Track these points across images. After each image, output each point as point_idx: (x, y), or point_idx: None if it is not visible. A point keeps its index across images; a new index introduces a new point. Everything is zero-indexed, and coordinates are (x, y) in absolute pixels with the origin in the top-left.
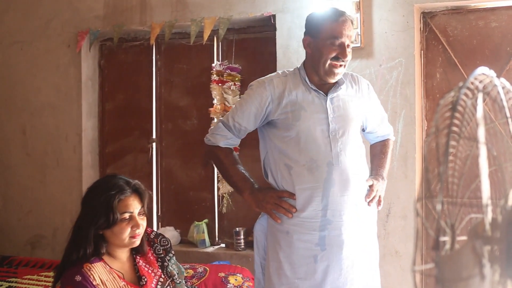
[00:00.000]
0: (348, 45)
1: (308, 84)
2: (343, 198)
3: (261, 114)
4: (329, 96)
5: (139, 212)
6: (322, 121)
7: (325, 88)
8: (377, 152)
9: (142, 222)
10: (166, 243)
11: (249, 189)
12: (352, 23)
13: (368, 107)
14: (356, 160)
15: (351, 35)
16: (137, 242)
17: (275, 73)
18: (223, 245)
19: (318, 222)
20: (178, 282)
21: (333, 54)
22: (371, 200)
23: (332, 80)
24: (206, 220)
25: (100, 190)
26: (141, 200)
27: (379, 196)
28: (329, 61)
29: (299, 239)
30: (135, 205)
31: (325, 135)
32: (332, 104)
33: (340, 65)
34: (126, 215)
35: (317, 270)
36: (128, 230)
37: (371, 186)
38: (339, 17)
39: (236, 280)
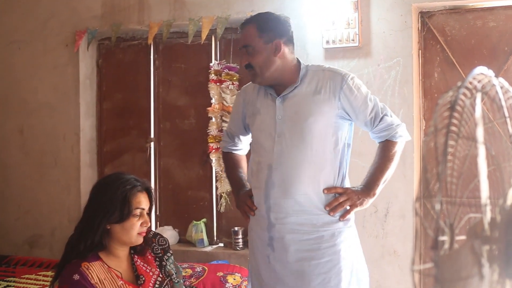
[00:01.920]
0: (244, 51)
1: (266, 88)
2: (286, 201)
3: (242, 119)
4: (279, 97)
5: (147, 211)
6: (271, 124)
7: (281, 89)
8: (375, 158)
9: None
10: (164, 243)
11: (235, 191)
12: (256, 28)
13: (341, 105)
14: (308, 163)
15: (243, 40)
16: (142, 239)
17: None
18: (221, 244)
19: (265, 223)
20: (176, 281)
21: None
22: (333, 210)
23: (256, 83)
24: (204, 220)
25: (115, 183)
26: (150, 199)
27: (347, 208)
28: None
29: (257, 236)
30: (145, 202)
31: (271, 137)
32: (283, 105)
33: (249, 71)
34: (138, 211)
35: (272, 270)
36: (138, 226)
37: (340, 195)
38: (240, 27)
39: (234, 279)
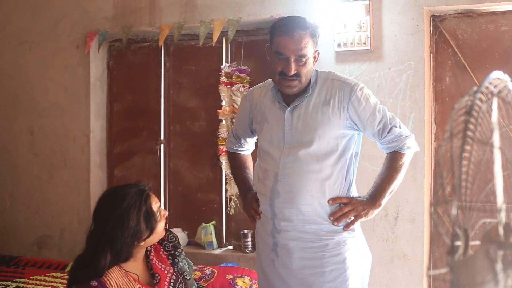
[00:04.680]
0: (296, 60)
1: (273, 95)
2: (291, 210)
3: (249, 124)
4: (289, 108)
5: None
6: (279, 134)
7: (291, 98)
8: (382, 168)
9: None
10: (174, 239)
11: (242, 193)
12: (310, 36)
13: (349, 116)
14: (314, 174)
15: (301, 49)
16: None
17: (265, 81)
18: (230, 247)
19: (270, 228)
20: (188, 278)
21: (279, 69)
22: (337, 220)
23: (289, 93)
24: (213, 222)
25: (128, 207)
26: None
27: (352, 218)
28: (277, 76)
29: (263, 240)
30: (156, 199)
31: (280, 147)
32: (292, 115)
33: (290, 79)
34: (159, 212)
35: (277, 274)
36: (163, 221)
37: (345, 205)
38: (289, 31)
39: (244, 282)
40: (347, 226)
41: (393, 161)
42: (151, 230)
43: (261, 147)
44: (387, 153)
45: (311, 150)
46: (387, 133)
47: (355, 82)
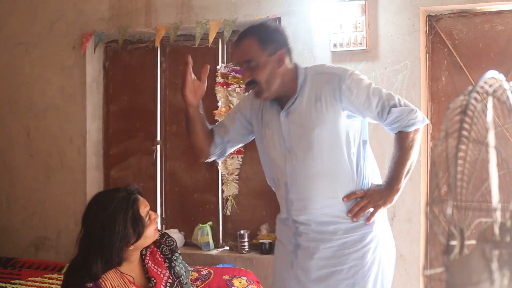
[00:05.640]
0: (247, 67)
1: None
2: (307, 217)
3: (242, 118)
4: (283, 112)
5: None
6: (279, 140)
7: (284, 101)
8: (393, 151)
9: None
10: (172, 243)
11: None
12: (257, 39)
13: (344, 106)
14: (322, 176)
15: (245, 54)
16: (158, 233)
17: None
18: (227, 247)
19: (292, 231)
20: (185, 282)
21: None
22: (355, 216)
23: (262, 100)
24: (210, 223)
25: (114, 211)
26: (143, 196)
27: (371, 211)
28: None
29: (284, 240)
30: (146, 203)
31: (283, 154)
32: (288, 119)
33: (251, 87)
34: (147, 217)
35: (292, 277)
36: (153, 225)
37: (361, 198)
38: (235, 42)
39: (240, 283)
40: (368, 219)
41: (401, 141)
42: (139, 234)
43: (266, 155)
44: (394, 134)
45: (313, 152)
46: (388, 115)
47: (343, 70)
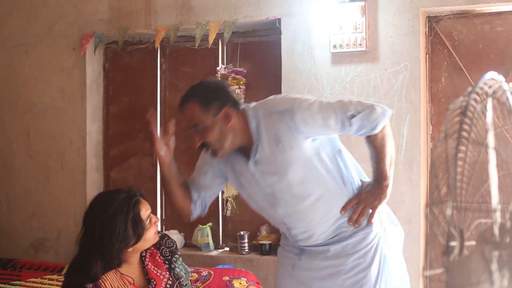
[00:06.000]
0: (194, 131)
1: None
2: (315, 241)
3: (213, 169)
4: (250, 162)
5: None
6: (258, 188)
7: (246, 151)
8: (369, 151)
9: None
10: (172, 244)
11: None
12: (199, 102)
13: (306, 135)
14: (314, 205)
15: (190, 120)
16: (158, 236)
17: None
18: (227, 248)
19: (296, 246)
20: (184, 284)
21: None
22: (356, 222)
23: (218, 159)
24: (210, 224)
25: (116, 212)
26: (145, 199)
27: (369, 211)
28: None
29: (285, 250)
30: (147, 206)
31: (267, 200)
32: (258, 168)
33: (205, 150)
34: (148, 220)
35: (293, 280)
36: (153, 228)
37: (357, 204)
38: (179, 107)
39: (240, 284)
40: (369, 221)
41: (373, 143)
42: (139, 236)
43: (252, 201)
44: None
45: (296, 190)
46: (350, 127)
47: (290, 102)
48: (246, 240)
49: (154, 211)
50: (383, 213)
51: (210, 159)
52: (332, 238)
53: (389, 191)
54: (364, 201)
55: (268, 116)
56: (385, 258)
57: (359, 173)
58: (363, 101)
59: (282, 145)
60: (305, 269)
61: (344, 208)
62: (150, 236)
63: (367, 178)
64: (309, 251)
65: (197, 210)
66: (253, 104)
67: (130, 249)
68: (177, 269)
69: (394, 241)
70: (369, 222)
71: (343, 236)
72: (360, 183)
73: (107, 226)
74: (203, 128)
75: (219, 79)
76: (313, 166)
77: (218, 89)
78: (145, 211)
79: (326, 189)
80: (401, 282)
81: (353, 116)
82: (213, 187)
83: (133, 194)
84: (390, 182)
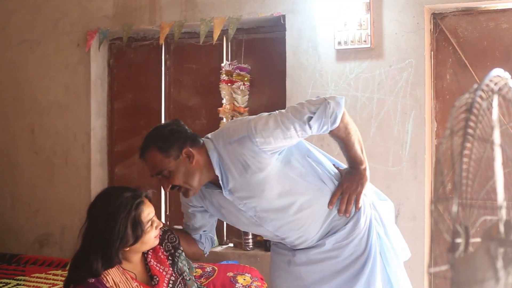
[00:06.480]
0: (161, 177)
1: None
2: (311, 243)
3: (197, 206)
4: (225, 192)
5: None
6: (241, 215)
7: (217, 183)
8: (339, 145)
9: (158, 219)
10: (174, 240)
11: None
12: (158, 150)
13: (272, 153)
14: (302, 211)
15: (153, 168)
16: (158, 240)
17: None
18: (231, 244)
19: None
20: (188, 279)
21: None
22: (346, 211)
23: (190, 197)
24: None
25: (118, 209)
26: (151, 202)
27: (354, 199)
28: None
29: (278, 249)
30: (151, 209)
31: (253, 222)
32: (234, 196)
33: (177, 191)
34: (149, 223)
35: (289, 276)
36: (153, 233)
37: (341, 195)
38: (140, 155)
39: (244, 279)
40: (356, 207)
41: (338, 136)
42: (137, 238)
43: (238, 226)
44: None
45: (276, 204)
46: (310, 129)
47: (245, 126)
48: (250, 236)
49: (158, 207)
50: (369, 194)
51: (189, 201)
52: (327, 233)
53: (368, 172)
54: (347, 190)
55: (228, 145)
56: (380, 236)
57: (332, 161)
58: (313, 99)
59: (251, 170)
60: (301, 264)
61: (330, 203)
62: (149, 239)
63: (342, 164)
64: (302, 248)
65: (206, 246)
66: (209, 135)
67: (127, 249)
68: (180, 263)
69: (386, 217)
70: (357, 208)
71: (338, 229)
72: (336, 171)
73: (109, 221)
74: (168, 173)
75: (172, 120)
76: (287, 176)
77: (174, 132)
78: (147, 213)
79: (306, 192)
80: (403, 251)
81: (310, 119)
82: (207, 222)
83: (139, 194)
84: (367, 163)
